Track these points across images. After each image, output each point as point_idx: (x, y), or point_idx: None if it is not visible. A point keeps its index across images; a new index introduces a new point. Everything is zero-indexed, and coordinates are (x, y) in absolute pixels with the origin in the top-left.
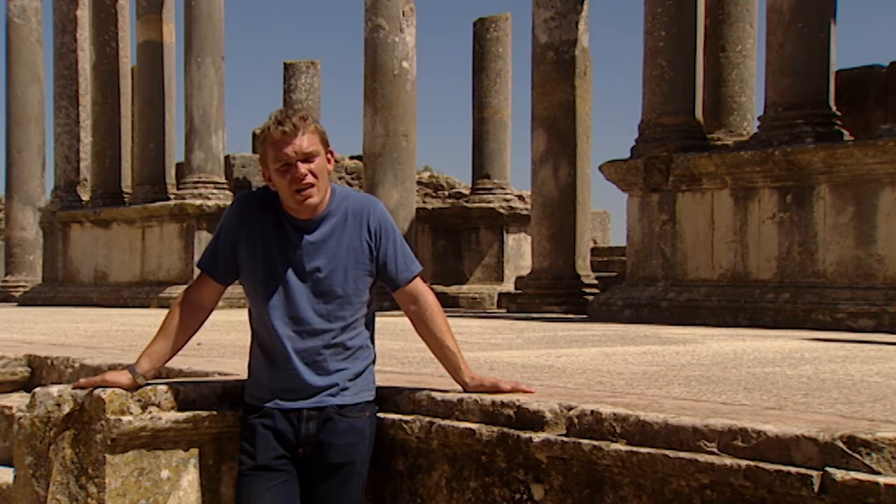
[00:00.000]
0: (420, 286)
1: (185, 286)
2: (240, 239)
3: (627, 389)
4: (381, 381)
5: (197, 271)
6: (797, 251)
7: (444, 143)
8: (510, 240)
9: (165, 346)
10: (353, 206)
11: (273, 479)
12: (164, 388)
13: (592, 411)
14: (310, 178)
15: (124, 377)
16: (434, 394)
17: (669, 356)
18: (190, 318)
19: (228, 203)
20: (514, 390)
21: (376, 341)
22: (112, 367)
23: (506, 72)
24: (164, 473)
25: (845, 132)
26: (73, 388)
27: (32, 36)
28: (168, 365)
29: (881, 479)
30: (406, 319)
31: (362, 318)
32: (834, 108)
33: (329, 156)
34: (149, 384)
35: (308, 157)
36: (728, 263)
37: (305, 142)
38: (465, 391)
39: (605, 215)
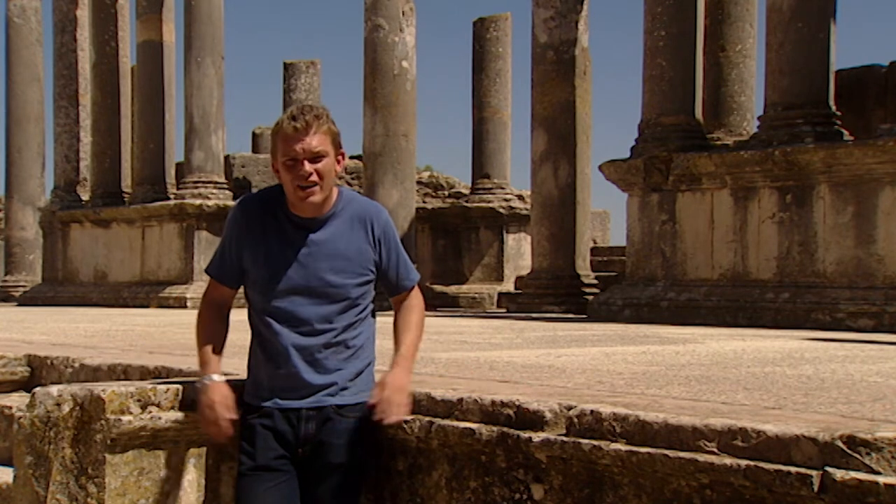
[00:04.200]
0: (415, 294)
1: (184, 286)
2: (245, 244)
3: (627, 389)
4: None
5: (197, 270)
6: (797, 251)
7: (444, 143)
8: (510, 239)
9: (215, 344)
10: (357, 210)
11: (272, 479)
12: (164, 387)
13: (592, 411)
14: (314, 178)
15: (226, 390)
16: (434, 393)
17: (669, 356)
18: (218, 315)
19: (228, 203)
20: (377, 408)
21: (376, 341)
22: (112, 368)
23: (505, 72)
24: (164, 473)
25: (845, 132)
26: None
27: (32, 36)
28: (168, 365)
29: (881, 479)
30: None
31: (362, 319)
32: (834, 107)
33: (339, 157)
34: (149, 384)
35: (316, 157)
36: (728, 263)
37: (315, 141)
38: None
39: (605, 215)
